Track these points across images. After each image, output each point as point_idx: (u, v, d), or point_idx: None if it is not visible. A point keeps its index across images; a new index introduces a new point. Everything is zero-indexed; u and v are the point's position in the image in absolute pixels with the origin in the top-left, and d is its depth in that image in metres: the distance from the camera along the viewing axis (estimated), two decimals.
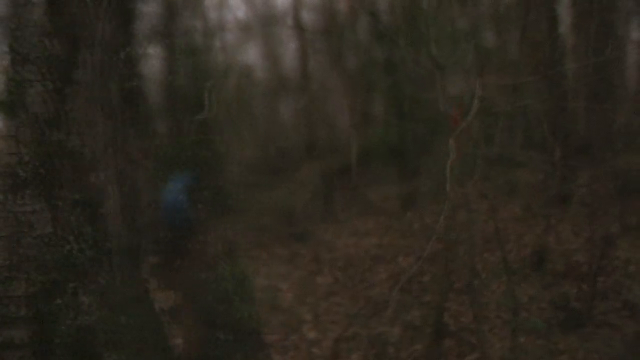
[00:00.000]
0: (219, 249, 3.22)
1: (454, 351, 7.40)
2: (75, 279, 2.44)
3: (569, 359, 6.69)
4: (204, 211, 3.16)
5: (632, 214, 7.79)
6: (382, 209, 9.41)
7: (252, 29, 9.89)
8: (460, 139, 6.64)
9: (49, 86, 2.43)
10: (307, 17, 10.10)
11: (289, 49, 10.56)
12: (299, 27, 10.18)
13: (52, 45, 2.47)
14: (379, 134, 9.10)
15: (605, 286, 7.44)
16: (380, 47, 8.96)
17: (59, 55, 2.49)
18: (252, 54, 10.09)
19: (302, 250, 9.12)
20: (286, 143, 10.12)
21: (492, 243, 8.10)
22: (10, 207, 2.32)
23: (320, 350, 7.58)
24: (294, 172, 9.69)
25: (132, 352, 2.56)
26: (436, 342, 7.48)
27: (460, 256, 8.00)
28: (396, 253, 8.49)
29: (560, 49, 8.30)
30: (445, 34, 8.12)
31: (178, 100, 3.11)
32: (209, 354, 3.08)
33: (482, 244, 8.11)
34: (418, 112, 8.54)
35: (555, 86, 8.00)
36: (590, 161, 8.18)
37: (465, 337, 7.48)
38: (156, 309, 2.88)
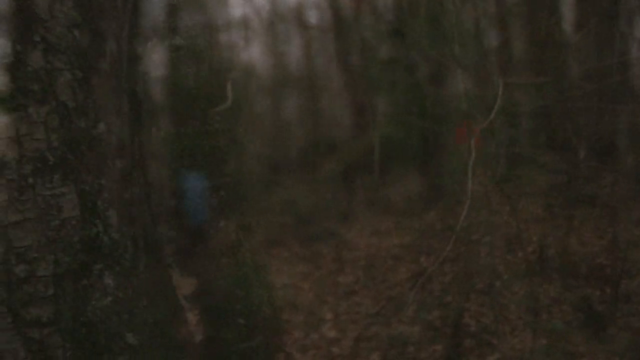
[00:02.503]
0: (239, 235, 3.34)
1: (475, 352, 7.46)
2: (101, 261, 2.56)
3: None
4: (224, 198, 3.28)
5: None
6: (404, 208, 9.48)
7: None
8: (482, 139, 6.71)
9: (78, 75, 2.56)
10: (327, 13, 10.19)
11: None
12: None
13: (81, 36, 2.60)
14: (401, 134, 9.17)
15: (629, 289, 7.44)
16: (402, 45, 9.04)
17: (87, 45, 2.61)
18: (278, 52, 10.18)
19: (323, 249, 9.21)
20: (307, 141, 10.21)
21: (514, 244, 8.15)
22: (39, 190, 2.44)
23: (340, 349, 7.66)
24: (314, 171, 9.78)
25: (153, 335, 2.67)
26: (456, 342, 7.55)
27: (482, 257, 8.07)
28: (418, 253, 8.56)
29: (585, 49, 8.34)
30: (467, 33, 8.19)
31: (202, 92, 3.24)
32: (229, 339, 3.19)
33: (503, 245, 8.15)
34: (440, 111, 8.61)
35: (578, 86, 8.04)
36: (614, 162, 8.19)
37: (485, 338, 7.53)
38: (178, 294, 3.00)
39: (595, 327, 7.08)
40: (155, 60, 3.19)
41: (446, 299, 8.16)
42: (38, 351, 2.46)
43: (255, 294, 3.27)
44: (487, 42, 7.75)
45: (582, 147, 8.04)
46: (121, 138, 2.66)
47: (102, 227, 2.56)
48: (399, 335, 7.78)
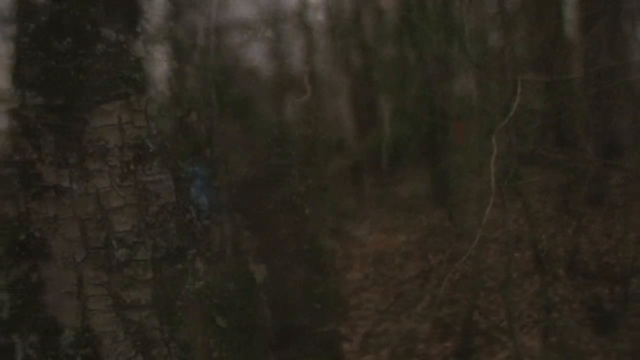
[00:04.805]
0: (319, 223, 3.51)
1: (485, 349, 7.66)
2: (194, 247, 2.72)
3: None
4: (311, 186, 3.45)
5: None
6: (412, 206, 9.67)
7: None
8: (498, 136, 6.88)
9: (174, 65, 2.71)
10: (335, 12, 10.33)
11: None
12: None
13: (176, 28, 2.76)
14: (410, 131, 9.36)
15: (638, 288, 7.65)
16: (413, 42, 9.22)
17: (181, 37, 2.77)
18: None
19: (331, 246, 9.34)
20: (315, 139, 10.31)
21: (523, 242, 8.36)
22: (139, 176, 2.59)
23: (349, 345, 7.83)
24: (324, 168, 9.90)
25: (239, 318, 2.84)
26: (466, 339, 7.76)
27: (492, 254, 8.29)
28: (426, 250, 8.75)
29: (595, 47, 8.56)
30: (478, 30, 8.39)
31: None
32: (305, 324, 3.36)
33: (513, 243, 8.35)
34: (450, 109, 8.80)
35: (589, 85, 8.26)
36: (623, 161, 8.42)
37: (495, 335, 7.73)
38: (254, 280, 3.17)
39: (606, 326, 7.30)
40: (245, 52, 3.35)
41: (456, 296, 8.36)
42: (136, 332, 2.60)
43: (331, 280, 3.45)
44: (499, 40, 7.94)
45: (592, 146, 8.27)
46: (209, 127, 2.82)
47: (195, 214, 2.72)
48: (408, 332, 7.96)
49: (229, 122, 3.26)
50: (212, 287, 2.80)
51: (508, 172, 7.15)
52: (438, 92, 8.73)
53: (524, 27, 9.05)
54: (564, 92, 8.11)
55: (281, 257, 3.36)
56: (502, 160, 6.88)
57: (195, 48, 2.79)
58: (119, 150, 2.65)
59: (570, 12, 8.71)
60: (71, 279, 2.66)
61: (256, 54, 3.38)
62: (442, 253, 8.60)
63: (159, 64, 2.70)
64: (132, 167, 2.66)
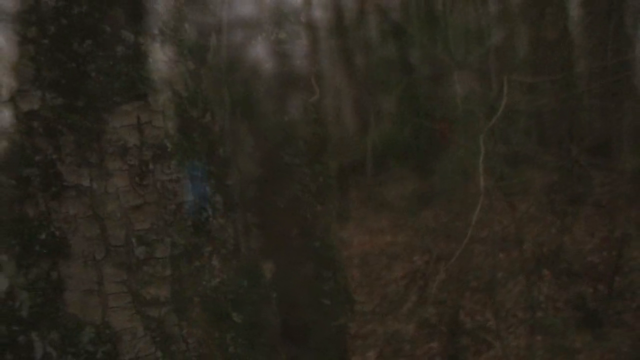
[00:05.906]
0: (330, 220, 3.62)
1: (470, 349, 7.81)
2: (210, 244, 2.82)
3: (586, 358, 7.08)
4: (322, 184, 3.56)
5: None
6: (398, 207, 9.80)
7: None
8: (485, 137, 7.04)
9: (190, 67, 2.81)
10: (328, 12, 10.43)
11: (299, 46, 10.85)
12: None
13: (190, 29, 2.86)
14: (395, 132, 9.49)
15: (621, 286, 7.86)
16: (396, 44, 9.36)
17: (196, 39, 2.88)
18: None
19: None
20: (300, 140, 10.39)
21: (507, 242, 8.53)
22: (158, 175, 2.68)
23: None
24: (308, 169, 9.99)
25: (252, 314, 2.95)
26: (452, 340, 7.91)
27: (477, 255, 8.45)
28: (412, 251, 8.89)
29: (578, 47, 8.76)
30: (465, 32, 8.58)
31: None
32: (313, 320, 3.46)
33: (499, 243, 8.53)
34: (434, 110, 8.95)
35: (572, 85, 8.45)
36: (607, 161, 8.64)
37: (481, 335, 7.89)
38: (264, 277, 3.27)
39: (590, 324, 7.49)
40: (256, 52, 3.45)
41: (441, 296, 8.51)
42: (156, 329, 2.70)
43: (340, 275, 3.56)
44: (488, 41, 8.12)
45: (578, 146, 8.49)
46: (223, 127, 2.93)
47: (211, 212, 2.82)
48: (394, 333, 8.10)
49: (241, 121, 3.37)
50: (227, 283, 2.90)
51: (496, 173, 7.32)
52: (424, 93, 8.87)
53: (510, 28, 9.25)
54: (550, 93, 8.31)
55: (291, 254, 3.47)
56: (489, 161, 7.05)
57: (209, 49, 2.88)
58: (138, 150, 2.74)
59: (556, 13, 8.89)
60: (91, 277, 2.74)
61: (267, 54, 3.47)
62: (429, 254, 8.73)
63: (176, 65, 2.80)
64: (150, 166, 2.75)
